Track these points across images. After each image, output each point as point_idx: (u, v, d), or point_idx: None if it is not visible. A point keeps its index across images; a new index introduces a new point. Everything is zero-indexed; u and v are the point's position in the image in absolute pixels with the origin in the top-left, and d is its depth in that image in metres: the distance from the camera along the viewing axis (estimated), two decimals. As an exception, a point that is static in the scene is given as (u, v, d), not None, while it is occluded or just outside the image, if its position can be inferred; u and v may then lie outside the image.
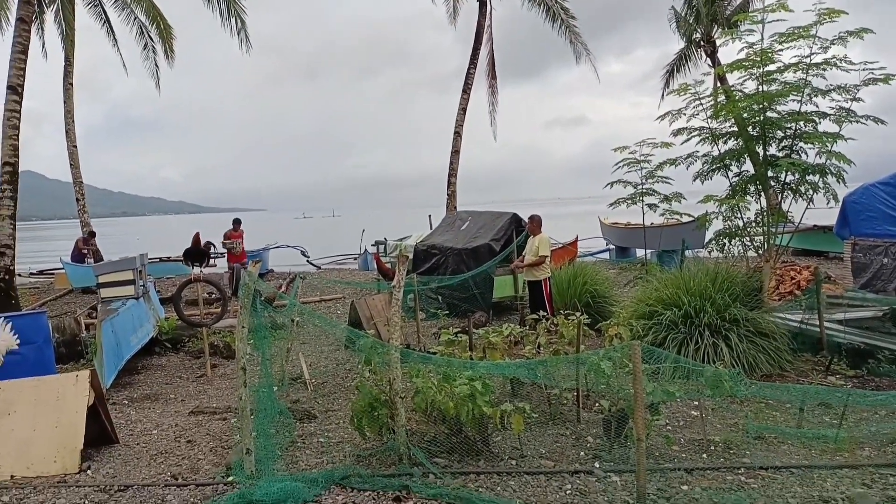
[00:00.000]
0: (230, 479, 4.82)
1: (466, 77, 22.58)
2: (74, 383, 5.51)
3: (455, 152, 22.36)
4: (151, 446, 5.78)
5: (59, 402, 5.40)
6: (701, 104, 8.76)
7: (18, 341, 6.10)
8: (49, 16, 23.05)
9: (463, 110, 22.46)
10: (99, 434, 5.68)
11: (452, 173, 22.30)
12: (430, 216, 17.26)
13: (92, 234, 19.82)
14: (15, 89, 13.11)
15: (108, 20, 24.19)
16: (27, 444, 5.21)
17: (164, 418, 6.68)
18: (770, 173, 8.31)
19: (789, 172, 8.05)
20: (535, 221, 9.88)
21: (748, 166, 8.78)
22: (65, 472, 5.11)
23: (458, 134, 22.41)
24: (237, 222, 15.77)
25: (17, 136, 13.15)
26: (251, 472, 4.75)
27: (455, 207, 21.55)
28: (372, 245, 21.54)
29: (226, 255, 15.69)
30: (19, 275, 17.39)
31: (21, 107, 13.29)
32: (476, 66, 22.82)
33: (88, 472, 5.16)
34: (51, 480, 5.00)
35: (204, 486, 4.76)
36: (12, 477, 5.04)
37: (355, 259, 24.52)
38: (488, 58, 24.41)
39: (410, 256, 11.56)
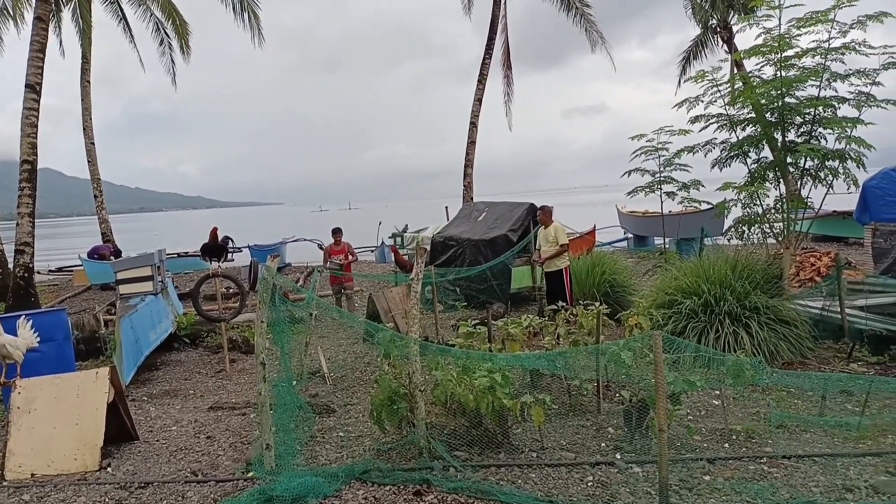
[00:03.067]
0: (250, 474, 4.84)
1: (481, 68, 22.46)
2: (94, 380, 5.55)
3: (471, 143, 22.30)
4: (171, 443, 5.82)
5: (80, 400, 5.45)
6: (718, 91, 8.63)
7: (39, 339, 6.16)
8: (66, 14, 23.28)
9: (478, 101, 22.36)
10: (119, 431, 5.73)
11: (469, 164, 22.24)
12: (446, 207, 17.21)
13: (118, 253, 19.35)
14: (33, 88, 13.24)
15: (124, 17, 24.39)
16: (48, 442, 5.26)
17: (184, 414, 6.74)
18: (789, 159, 8.17)
19: (808, 158, 7.91)
20: (547, 212, 9.80)
21: (767, 153, 8.67)
22: (85, 469, 5.16)
23: (473, 125, 22.33)
24: (337, 232, 11.74)
25: (36, 134, 13.30)
26: (271, 467, 4.76)
27: (472, 198, 21.50)
28: (389, 237, 21.55)
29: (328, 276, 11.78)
30: (38, 272, 17.65)
31: (39, 105, 13.42)
32: (491, 57, 22.71)
33: (108, 469, 5.20)
34: (71, 478, 5.05)
35: (224, 483, 4.78)
36: (33, 475, 5.10)
37: (372, 252, 24.56)
38: (503, 48, 24.29)
39: (428, 248, 11.53)
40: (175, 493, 4.65)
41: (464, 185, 22.23)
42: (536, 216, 12.10)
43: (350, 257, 11.80)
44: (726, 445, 5.07)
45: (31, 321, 6.21)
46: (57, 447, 5.25)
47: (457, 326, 7.51)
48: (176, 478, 4.95)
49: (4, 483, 5.00)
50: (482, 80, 22.41)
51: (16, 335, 5.94)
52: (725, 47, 23.94)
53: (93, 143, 23.07)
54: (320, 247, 25.76)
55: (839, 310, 7.65)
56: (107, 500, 4.63)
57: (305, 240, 26.91)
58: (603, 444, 5.18)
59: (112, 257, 18.63)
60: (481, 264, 11.35)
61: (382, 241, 22.48)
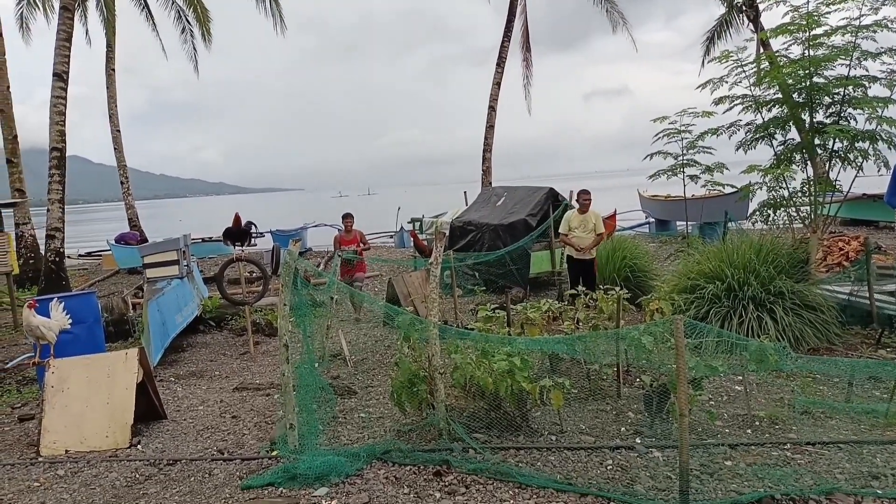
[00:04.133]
0: (274, 453, 4.94)
1: (500, 51, 22.28)
2: (124, 361, 5.70)
3: (490, 127, 22.17)
4: (198, 422, 5.96)
5: (110, 380, 5.61)
6: (743, 71, 8.48)
7: (71, 321, 6.32)
8: (91, 3, 23.52)
9: (497, 84, 22.20)
10: (147, 410, 5.88)
11: (487, 148, 22.14)
12: (465, 192, 17.18)
13: (144, 239, 19.87)
14: (60, 76, 13.44)
15: (147, 5, 24.60)
16: (80, 420, 5.43)
17: (210, 394, 6.88)
18: (817, 141, 8.02)
19: (837, 139, 7.76)
20: (589, 198, 9.19)
21: (793, 134, 8.52)
22: (116, 446, 5.32)
23: (492, 108, 22.19)
24: (348, 217, 10.64)
25: (64, 122, 13.53)
26: (295, 446, 4.85)
27: (490, 183, 21.43)
28: (408, 223, 21.62)
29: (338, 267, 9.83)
30: (69, 257, 18.02)
31: (66, 93, 13.64)
32: (510, 40, 22.48)
33: (139, 446, 5.36)
34: (103, 454, 5.21)
35: (249, 461, 4.89)
36: (67, 451, 5.27)
37: (392, 237, 24.64)
38: (522, 30, 24.02)
39: (447, 233, 11.53)
40: (202, 471, 4.77)
41: (482, 170, 22.15)
42: (557, 200, 12.04)
43: (362, 245, 10.63)
44: (749, 431, 5.03)
45: (64, 303, 6.37)
46: (89, 425, 5.41)
47: (476, 311, 7.54)
48: (203, 455, 5.07)
49: (40, 459, 5.18)
50: (501, 63, 22.22)
51: (48, 317, 6.10)
52: (751, 26, 23.40)
53: (118, 131, 23.41)
54: (340, 232, 25.99)
55: (868, 295, 7.51)
56: (137, 475, 4.76)
57: (326, 225, 27.08)
58: (623, 429, 5.19)
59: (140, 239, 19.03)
60: (500, 249, 11.34)
61: (402, 227, 22.54)
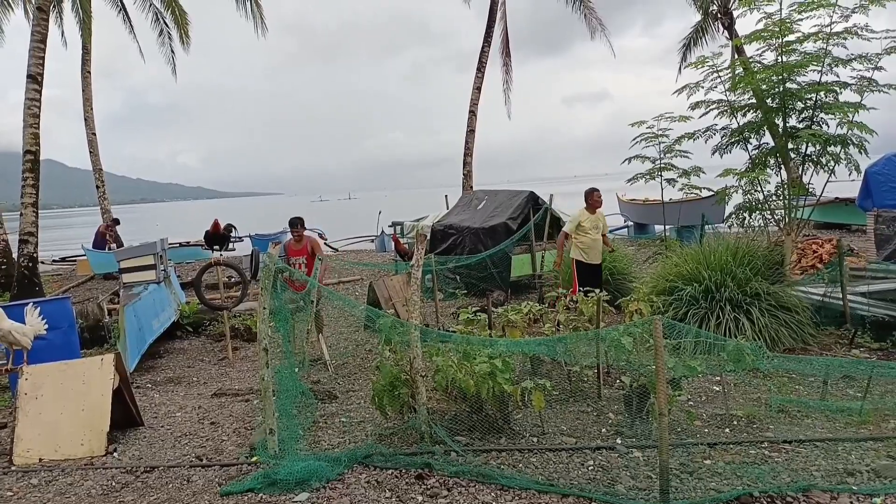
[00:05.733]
0: (254, 459, 4.88)
1: (480, 55, 22.37)
2: (100, 367, 5.60)
3: (470, 132, 22.25)
4: (176, 428, 5.87)
5: (85, 386, 5.50)
6: (719, 77, 8.61)
7: (47, 326, 6.20)
8: (67, 3, 23.17)
9: (477, 89, 22.29)
10: (124, 417, 5.78)
11: (468, 153, 22.20)
12: (446, 196, 17.20)
13: (116, 222, 20.01)
14: (35, 78, 13.21)
15: (123, 7, 24.29)
16: (55, 427, 5.31)
17: (188, 401, 6.79)
18: (790, 145, 8.17)
19: (810, 144, 7.92)
20: (600, 196, 8.75)
21: (768, 139, 8.66)
22: (92, 454, 5.21)
23: (472, 113, 22.27)
24: (296, 225, 8.81)
25: (38, 124, 13.28)
26: (275, 451, 4.81)
27: (471, 187, 21.47)
28: (389, 226, 21.57)
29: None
30: (42, 262, 17.68)
31: (41, 95, 13.39)
32: (490, 45, 22.60)
33: (115, 454, 5.26)
34: (78, 462, 5.10)
35: (228, 467, 4.83)
36: (41, 460, 5.15)
37: (372, 241, 24.58)
38: (502, 36, 24.16)
39: (428, 236, 11.53)
40: (180, 477, 4.70)
41: (463, 174, 22.20)
42: (538, 204, 12.09)
43: (313, 259, 8.57)
44: (727, 430, 5.09)
45: (39, 308, 6.25)
46: (64, 432, 5.30)
47: (457, 314, 7.54)
48: (181, 462, 5.00)
49: (13, 468, 5.06)
50: (481, 68, 22.32)
51: (23, 322, 5.98)
52: (726, 33, 23.79)
53: (94, 134, 23.04)
54: (321, 236, 25.90)
55: (841, 296, 7.66)
56: (113, 483, 4.68)
57: (307, 229, 26.87)
58: (604, 430, 5.22)
59: (112, 227, 18.77)
60: (481, 252, 11.37)
61: (382, 231, 22.49)
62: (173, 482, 4.64)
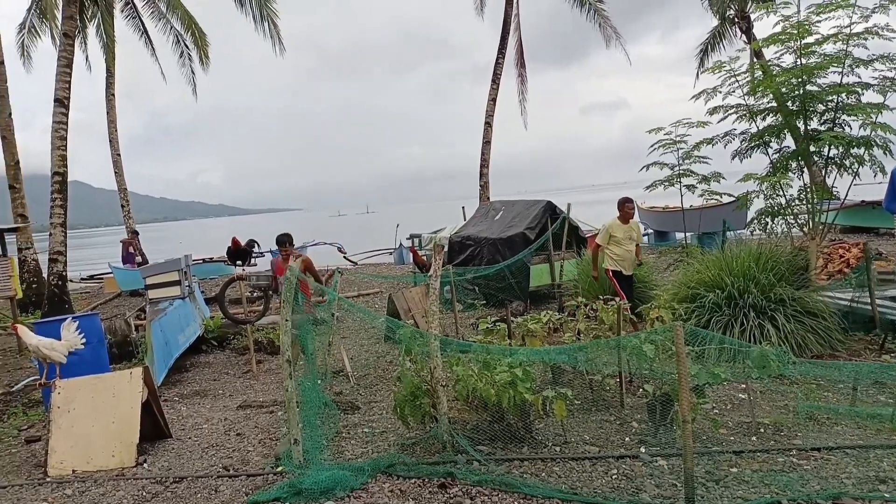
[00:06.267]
0: (279, 469, 4.94)
1: (495, 67, 22.48)
2: (129, 380, 5.71)
3: (486, 143, 22.33)
4: (203, 440, 5.96)
5: (115, 399, 5.62)
6: (737, 81, 8.56)
7: (84, 341, 6.35)
8: (91, 29, 23.78)
9: (493, 100, 22.38)
10: (153, 429, 5.89)
11: (484, 164, 22.28)
12: (463, 207, 17.26)
13: (135, 233, 20.46)
14: (62, 102, 13.57)
15: (145, 30, 24.85)
16: (87, 440, 5.43)
17: (214, 413, 6.88)
18: (812, 148, 8.07)
19: (832, 146, 7.81)
20: (633, 206, 8.58)
21: (789, 142, 8.57)
22: (122, 465, 5.32)
23: (488, 124, 22.35)
24: (283, 242, 7.87)
25: (65, 146, 13.63)
26: (299, 461, 4.86)
27: (488, 198, 21.52)
28: (407, 238, 21.67)
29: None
30: (71, 280, 18.05)
31: (68, 119, 13.76)
32: (504, 56, 22.71)
33: (145, 465, 5.36)
34: (110, 473, 5.21)
35: (255, 477, 4.89)
36: (74, 471, 5.27)
37: (391, 254, 24.70)
38: (517, 46, 24.27)
39: (445, 247, 11.57)
40: (208, 487, 4.77)
41: (480, 185, 22.27)
42: (555, 213, 12.07)
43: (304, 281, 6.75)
44: (753, 438, 5.03)
45: (77, 323, 6.40)
46: (95, 444, 5.42)
47: (476, 325, 7.54)
48: (209, 472, 5.07)
49: (48, 479, 5.18)
50: (496, 79, 22.43)
51: (59, 338, 6.13)
52: (744, 37, 23.66)
53: (119, 155, 23.55)
54: (340, 250, 26.10)
55: (870, 301, 7.51)
56: (144, 493, 4.76)
57: (326, 243, 27.14)
58: (627, 439, 5.19)
59: (135, 237, 19.20)
60: (499, 263, 11.37)
61: (401, 244, 22.60)
62: (202, 492, 4.71)
